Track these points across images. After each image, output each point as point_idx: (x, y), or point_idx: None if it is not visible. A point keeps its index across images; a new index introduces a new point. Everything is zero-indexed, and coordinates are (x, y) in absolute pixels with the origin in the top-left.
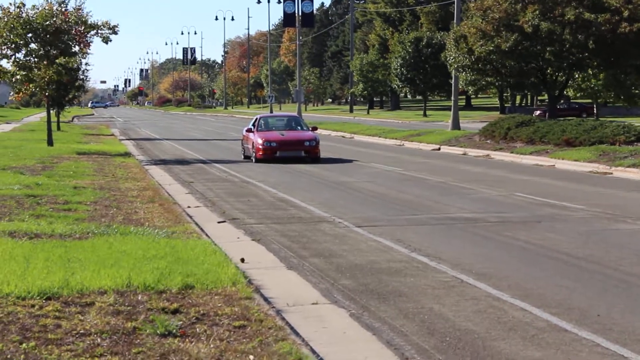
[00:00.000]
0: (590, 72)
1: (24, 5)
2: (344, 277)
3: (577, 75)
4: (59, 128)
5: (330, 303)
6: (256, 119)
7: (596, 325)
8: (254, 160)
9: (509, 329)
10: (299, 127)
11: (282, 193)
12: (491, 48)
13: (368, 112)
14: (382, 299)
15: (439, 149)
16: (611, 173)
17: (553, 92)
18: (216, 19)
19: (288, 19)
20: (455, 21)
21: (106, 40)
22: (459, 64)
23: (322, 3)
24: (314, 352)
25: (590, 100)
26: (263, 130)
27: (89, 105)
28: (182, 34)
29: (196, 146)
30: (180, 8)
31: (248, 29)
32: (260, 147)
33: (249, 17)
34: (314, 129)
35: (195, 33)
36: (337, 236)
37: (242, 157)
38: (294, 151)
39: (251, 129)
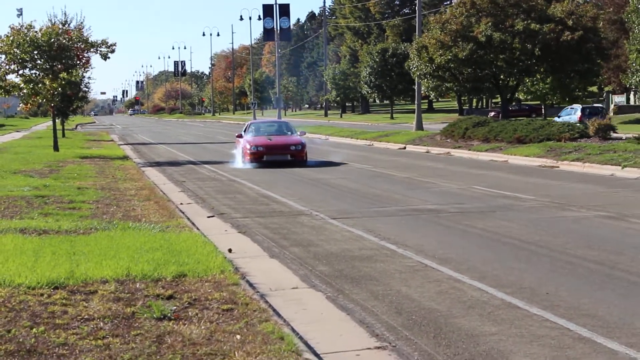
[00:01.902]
0: (538, 76)
1: (31, 27)
2: (321, 264)
3: (526, 80)
4: (64, 135)
5: (309, 287)
6: (247, 124)
7: (545, 302)
8: (242, 164)
9: (468, 307)
10: (288, 132)
11: (265, 190)
12: (449, 57)
13: (341, 116)
14: (355, 283)
15: (405, 148)
16: (558, 166)
17: (505, 95)
18: (203, 34)
19: (268, 34)
20: (417, 33)
21: (104, 57)
22: (421, 72)
23: (298, 19)
24: (294, 331)
25: (538, 102)
26: (252, 135)
27: (91, 114)
28: (173, 48)
29: (187, 149)
30: (171, 25)
31: (232, 43)
32: (248, 151)
33: (232, 32)
34: (303, 133)
35: (185, 48)
36: (315, 227)
37: (235, 159)
38: (281, 155)
39: (241, 134)
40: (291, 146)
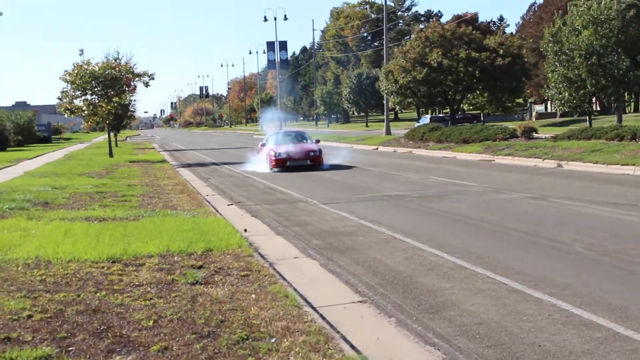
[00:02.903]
0: (478, 92)
1: (90, 63)
2: (315, 238)
3: (468, 95)
4: (116, 145)
5: (306, 257)
6: (268, 135)
7: (486, 264)
8: (268, 169)
9: (428, 269)
10: (305, 140)
11: (271, 183)
12: (410, 79)
13: (328, 125)
14: (341, 253)
15: (377, 148)
16: (494, 160)
17: (453, 107)
18: (221, 65)
19: (270, 64)
20: (385, 61)
21: (146, 84)
22: (388, 90)
23: (294, 52)
24: (296, 290)
25: (478, 111)
26: (275, 144)
27: (139, 128)
28: (198, 77)
29: (211, 153)
30: (197, 57)
31: (244, 72)
32: (273, 158)
33: (244, 63)
34: (317, 141)
35: (207, 76)
36: (309, 211)
37: (251, 162)
38: (301, 160)
39: (265, 143)
40: (310, 152)
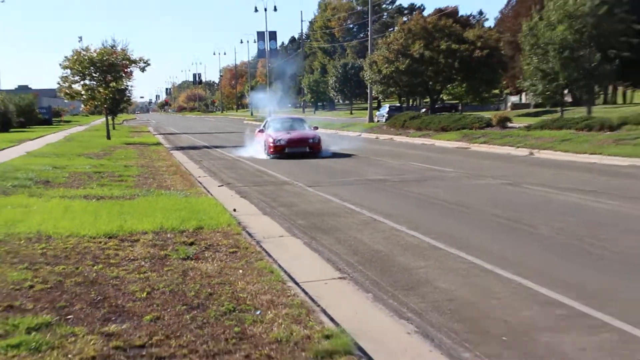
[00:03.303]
0: (457, 83)
1: (89, 49)
2: (299, 218)
3: (448, 86)
4: (114, 128)
5: (291, 235)
6: (266, 121)
7: (460, 245)
8: (266, 156)
9: (405, 249)
10: (304, 127)
11: (259, 166)
12: (393, 69)
13: (314, 112)
14: (324, 232)
15: (360, 135)
16: (470, 147)
17: (433, 96)
18: (214, 54)
19: (261, 53)
20: (369, 52)
21: (142, 70)
22: (372, 80)
23: (283, 42)
24: (280, 266)
25: (457, 101)
26: (273, 130)
27: (136, 112)
28: (192, 64)
29: (203, 137)
30: (190, 46)
31: (235, 60)
32: (272, 144)
33: (235, 52)
34: (315, 128)
35: (200, 63)
36: (295, 193)
37: (247, 148)
38: (300, 147)
39: (262, 129)
40: (309, 139)
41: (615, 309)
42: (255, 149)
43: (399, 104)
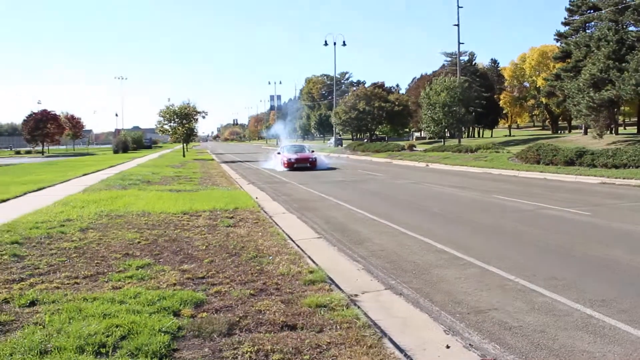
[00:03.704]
0: (384, 124)
1: (173, 105)
2: (295, 203)
3: (379, 126)
4: (187, 150)
5: (290, 213)
6: (281, 147)
7: (388, 218)
8: (282, 168)
9: (356, 220)
10: (306, 151)
11: (272, 173)
12: (347, 117)
13: (303, 141)
14: (308, 210)
15: (329, 154)
16: (392, 162)
17: (370, 132)
18: (245, 108)
19: (272, 107)
20: (334, 107)
21: (203, 117)
22: (336, 123)
23: (285, 101)
24: (283, 231)
25: (384, 135)
26: (287, 152)
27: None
28: (232, 113)
29: (238, 155)
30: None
31: (257, 111)
32: (285, 161)
33: (257, 107)
34: (312, 152)
35: (237, 113)
36: (292, 188)
37: (267, 162)
38: (304, 164)
39: (280, 152)
40: (310, 159)
41: (477, 254)
42: (274, 163)
43: (340, 137)
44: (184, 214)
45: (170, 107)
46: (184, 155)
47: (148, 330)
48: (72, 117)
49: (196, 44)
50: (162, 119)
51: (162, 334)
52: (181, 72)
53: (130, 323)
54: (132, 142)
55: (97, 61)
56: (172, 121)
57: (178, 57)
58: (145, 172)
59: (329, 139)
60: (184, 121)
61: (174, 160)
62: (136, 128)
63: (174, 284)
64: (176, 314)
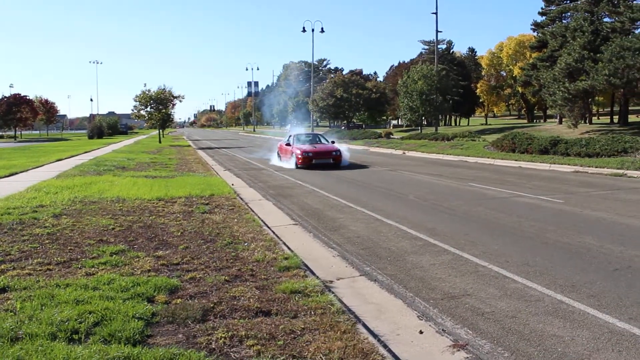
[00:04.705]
0: (362, 112)
1: (149, 90)
2: (271, 189)
3: (357, 114)
4: (163, 136)
5: (266, 199)
6: (290, 135)
7: (362, 204)
8: (295, 166)
9: (331, 207)
10: (322, 141)
11: (247, 159)
12: (325, 104)
13: (280, 128)
14: (284, 197)
15: None
16: (369, 149)
17: (348, 120)
18: (222, 94)
19: (249, 93)
20: (312, 94)
21: (181, 100)
22: (313, 110)
23: (262, 88)
24: (259, 217)
25: (362, 122)
26: (300, 144)
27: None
28: (208, 100)
29: (215, 142)
30: (207, 89)
31: (234, 98)
32: (300, 156)
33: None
34: (333, 142)
35: (214, 100)
36: (269, 175)
37: (278, 162)
38: (325, 159)
39: (289, 143)
40: (333, 152)
41: (452, 241)
42: (282, 158)
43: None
44: (159, 200)
45: (147, 92)
46: (160, 142)
47: (122, 317)
48: (46, 101)
49: (173, 30)
50: (138, 104)
51: (136, 320)
52: (158, 57)
53: (104, 309)
54: (107, 128)
55: (71, 45)
56: (149, 106)
57: (154, 42)
58: (120, 158)
59: (308, 126)
60: (161, 106)
61: (149, 146)
62: (111, 114)
63: (149, 270)
64: (150, 300)
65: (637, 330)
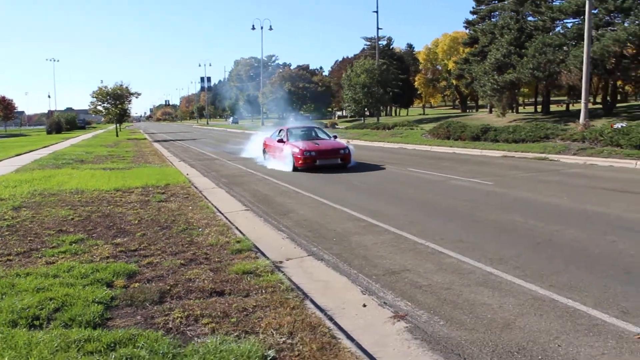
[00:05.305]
0: (309, 104)
1: (106, 86)
2: (223, 178)
3: (304, 106)
4: (120, 130)
5: (219, 187)
6: (282, 130)
7: (310, 190)
8: (292, 169)
9: (281, 193)
10: (325, 136)
11: (200, 150)
12: (274, 97)
13: (231, 123)
14: (236, 185)
15: (257, 133)
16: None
17: (297, 111)
18: (176, 89)
19: (202, 88)
20: (261, 88)
21: (137, 97)
22: (264, 103)
23: (215, 82)
24: (212, 204)
25: (309, 114)
26: (298, 140)
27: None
28: (164, 95)
29: (170, 135)
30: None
31: (188, 93)
32: (300, 156)
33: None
34: (335, 137)
35: (169, 95)
36: (222, 164)
37: (264, 163)
38: (332, 159)
39: (282, 139)
40: (341, 150)
41: (392, 222)
42: (271, 159)
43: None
44: (117, 190)
45: (104, 88)
46: (117, 135)
47: (82, 302)
48: (3, 98)
49: (128, 27)
50: (95, 99)
51: (96, 305)
52: (115, 54)
53: (64, 295)
54: (65, 123)
55: (28, 43)
56: (106, 102)
57: (111, 39)
58: (78, 152)
59: (258, 118)
60: (117, 102)
61: (107, 140)
62: (69, 109)
63: (107, 257)
64: (109, 285)
65: (555, 296)
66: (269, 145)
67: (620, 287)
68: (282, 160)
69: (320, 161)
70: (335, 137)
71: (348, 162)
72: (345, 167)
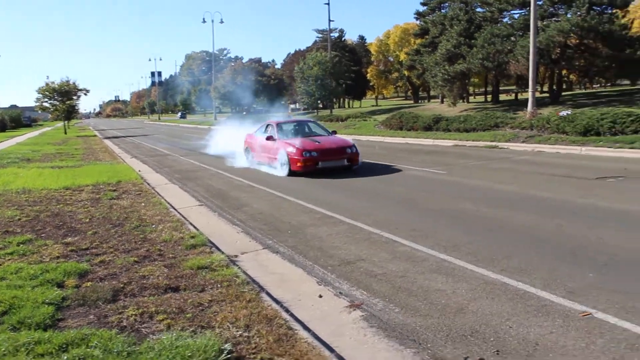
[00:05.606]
0: (261, 97)
1: (53, 82)
2: (177, 173)
3: (256, 99)
4: (68, 127)
5: (172, 183)
6: (270, 124)
7: (264, 184)
8: (287, 172)
9: (235, 187)
10: (323, 132)
11: (153, 146)
12: (226, 91)
13: (185, 117)
14: (190, 180)
15: (210, 127)
16: None
17: (250, 105)
18: (125, 85)
19: (153, 83)
20: (213, 82)
21: (85, 94)
22: (216, 97)
23: (166, 77)
24: (165, 200)
25: (261, 107)
26: (294, 138)
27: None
28: (113, 90)
29: (121, 131)
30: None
31: (139, 88)
32: (297, 157)
33: (139, 83)
34: (334, 132)
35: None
36: (174, 160)
37: (247, 164)
38: (337, 160)
39: (272, 136)
40: (347, 149)
41: (347, 213)
42: (253, 161)
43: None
44: (67, 189)
45: (50, 84)
46: (65, 133)
47: (31, 304)
48: None
49: (74, 21)
50: (41, 96)
51: (46, 306)
52: (60, 50)
53: (12, 298)
54: (10, 121)
55: None
56: (53, 99)
57: (55, 34)
58: (24, 150)
59: (211, 113)
60: (65, 98)
61: (55, 138)
62: (14, 107)
63: (58, 257)
64: (60, 285)
65: (506, 280)
66: (253, 144)
67: (566, 268)
68: (273, 163)
69: (322, 163)
70: (334, 132)
71: (356, 164)
72: (351, 170)
